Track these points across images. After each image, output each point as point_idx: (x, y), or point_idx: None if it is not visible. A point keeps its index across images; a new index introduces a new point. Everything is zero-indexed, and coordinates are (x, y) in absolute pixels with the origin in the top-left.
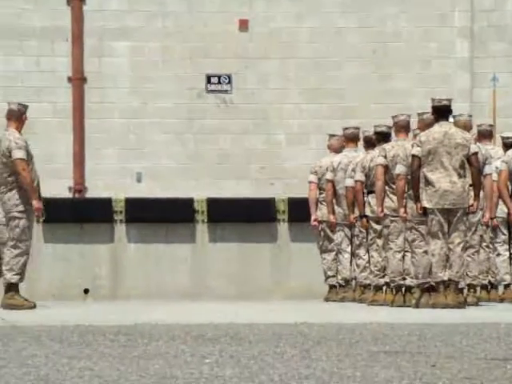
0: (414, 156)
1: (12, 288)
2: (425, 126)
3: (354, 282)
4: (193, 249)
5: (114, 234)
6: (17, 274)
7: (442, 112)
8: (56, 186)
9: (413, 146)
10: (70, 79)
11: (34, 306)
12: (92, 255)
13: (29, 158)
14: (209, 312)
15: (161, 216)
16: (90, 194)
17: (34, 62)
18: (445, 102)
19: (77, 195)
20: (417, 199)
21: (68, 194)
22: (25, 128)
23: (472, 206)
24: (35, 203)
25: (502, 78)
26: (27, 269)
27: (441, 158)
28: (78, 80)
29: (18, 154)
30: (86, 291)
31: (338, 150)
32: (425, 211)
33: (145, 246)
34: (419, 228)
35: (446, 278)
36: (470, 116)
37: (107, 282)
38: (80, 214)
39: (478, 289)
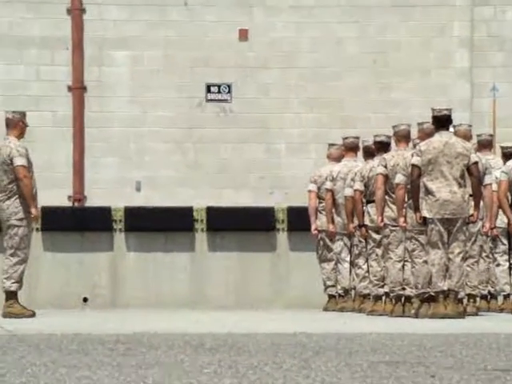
0: (413, 165)
1: (11, 296)
2: (425, 135)
3: (353, 292)
4: (192, 258)
5: (113, 243)
6: (16, 282)
7: (442, 122)
8: (55, 195)
9: (413, 155)
10: (69, 88)
11: (33, 315)
12: (91, 264)
13: (29, 166)
14: (208, 321)
15: (160, 225)
16: (89, 203)
17: (33, 71)
18: (445, 112)
19: (76, 204)
20: (416, 209)
21: (68, 203)
22: (30, 137)
23: (472, 215)
24: (34, 211)
25: (501, 87)
26: (26, 276)
27: (441, 167)
28: (78, 89)
29: (20, 161)
30: (85, 300)
31: (337, 160)
32: (424, 221)
33: (144, 254)
34: (419, 238)
35: (445, 288)
36: (470, 126)
37: (106, 291)
38: (79, 223)
39: (478, 299)
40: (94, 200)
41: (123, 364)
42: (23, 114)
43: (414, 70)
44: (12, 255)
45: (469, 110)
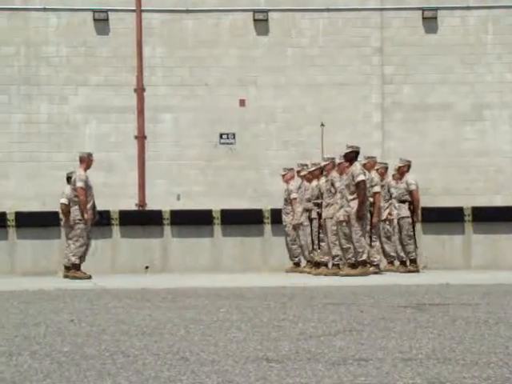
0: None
1: (74, 267)
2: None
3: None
4: (212, 241)
5: (163, 232)
6: (79, 258)
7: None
8: (127, 203)
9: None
10: (136, 137)
11: (90, 277)
12: (150, 245)
13: (87, 188)
14: (222, 280)
15: (192, 221)
16: (148, 208)
17: (114, 127)
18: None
19: (140, 208)
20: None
21: (135, 208)
22: (108, 167)
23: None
24: (85, 216)
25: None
26: (111, 254)
27: None
28: (141, 138)
29: (79, 184)
30: (147, 267)
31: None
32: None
33: (182, 239)
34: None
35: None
36: (374, 157)
37: (159, 262)
38: (143, 220)
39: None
40: (151, 206)
41: (171, 307)
42: (90, 154)
43: (348, 123)
44: (76, 241)
45: (381, 148)
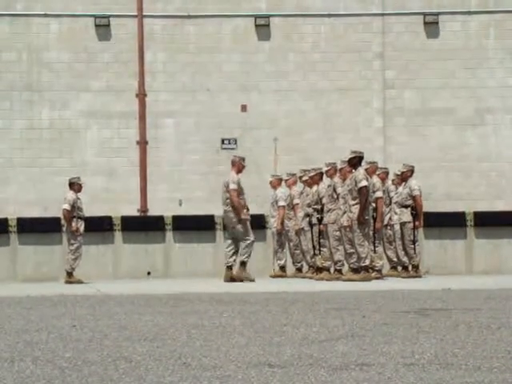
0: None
1: (243, 265)
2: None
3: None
4: (214, 246)
5: (165, 238)
6: (248, 256)
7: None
8: (129, 208)
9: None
10: (137, 142)
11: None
12: (152, 250)
13: (239, 189)
14: (224, 285)
15: (194, 226)
16: (150, 213)
17: (116, 132)
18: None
19: (142, 214)
20: None
21: (137, 214)
22: (110, 173)
23: None
24: (243, 215)
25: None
26: (112, 259)
27: None
28: (143, 143)
29: (232, 186)
30: (149, 273)
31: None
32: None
33: (185, 244)
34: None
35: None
36: (374, 162)
37: (161, 267)
38: (144, 226)
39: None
40: (153, 211)
41: (173, 312)
42: (242, 159)
43: (349, 128)
44: (243, 240)
45: (383, 153)
